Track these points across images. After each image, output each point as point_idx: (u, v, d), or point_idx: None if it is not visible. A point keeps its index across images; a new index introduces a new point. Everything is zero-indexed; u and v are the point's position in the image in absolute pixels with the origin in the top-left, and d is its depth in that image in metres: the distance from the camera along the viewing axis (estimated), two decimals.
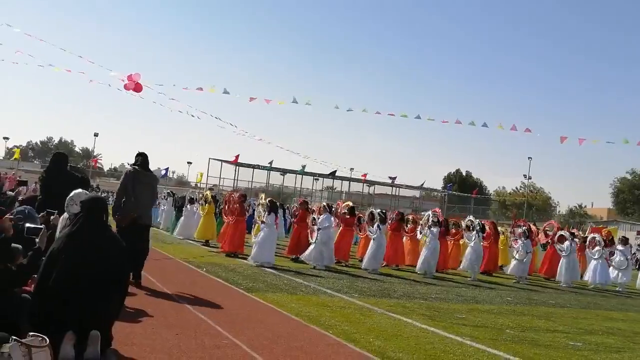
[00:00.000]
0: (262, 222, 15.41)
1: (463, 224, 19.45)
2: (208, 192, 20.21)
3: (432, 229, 16.97)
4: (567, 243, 18.84)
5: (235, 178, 58.11)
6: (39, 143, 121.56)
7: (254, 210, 19.99)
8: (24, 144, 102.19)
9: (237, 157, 42.51)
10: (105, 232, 5.43)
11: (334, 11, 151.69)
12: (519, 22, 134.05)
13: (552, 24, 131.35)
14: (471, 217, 19.68)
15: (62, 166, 9.36)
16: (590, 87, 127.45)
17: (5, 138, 62.77)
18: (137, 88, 18.23)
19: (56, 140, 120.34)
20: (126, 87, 18.16)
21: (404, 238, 18.45)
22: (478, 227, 17.97)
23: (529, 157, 66.37)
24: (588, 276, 19.09)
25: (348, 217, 17.78)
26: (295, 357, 6.06)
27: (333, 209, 18.16)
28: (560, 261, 18.74)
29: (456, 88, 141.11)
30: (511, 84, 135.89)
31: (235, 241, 16.24)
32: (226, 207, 17.40)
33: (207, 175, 54.03)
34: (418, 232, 18.68)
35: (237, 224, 16.56)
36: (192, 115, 24.79)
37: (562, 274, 18.44)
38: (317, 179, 63.77)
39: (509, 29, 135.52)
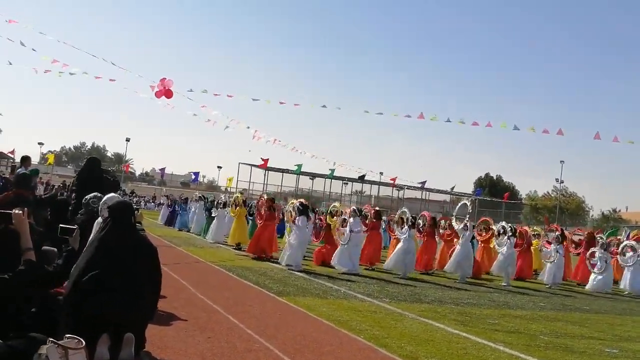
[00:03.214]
0: (293, 222, 15.43)
1: (495, 228, 19.20)
2: (239, 195, 20.24)
3: (405, 229, 16.67)
4: (597, 253, 18.22)
5: (265, 182, 58.44)
6: (72, 148, 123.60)
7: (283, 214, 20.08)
8: (58, 149, 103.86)
9: (266, 161, 42.62)
10: (134, 234, 5.48)
11: (363, 15, 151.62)
12: (550, 23, 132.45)
13: (585, 23, 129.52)
14: (503, 224, 19.38)
15: (95, 171, 9.50)
16: (623, 88, 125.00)
17: (40, 143, 64.01)
18: (168, 94, 18.47)
19: (89, 145, 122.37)
20: (157, 95, 18.42)
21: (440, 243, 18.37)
22: (510, 232, 17.72)
23: (561, 161, 65.54)
24: (623, 283, 18.55)
25: (374, 220, 17.77)
26: None
27: (363, 213, 18.14)
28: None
29: (487, 91, 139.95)
30: (543, 86, 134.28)
31: (260, 244, 16.27)
32: (261, 211, 17.53)
33: (237, 180, 54.38)
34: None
35: (264, 227, 16.62)
36: (227, 127, 24.93)
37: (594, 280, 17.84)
38: (347, 183, 63.74)
39: (540, 30, 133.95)
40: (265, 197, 18.73)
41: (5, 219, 4.42)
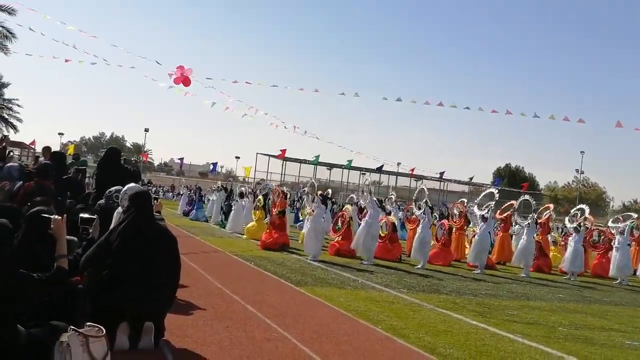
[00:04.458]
0: (313, 211, 15.46)
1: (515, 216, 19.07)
2: (261, 197, 20.11)
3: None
4: (618, 237, 17.99)
5: (283, 172, 58.49)
6: (91, 138, 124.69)
7: (296, 200, 20.08)
8: (78, 140, 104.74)
9: (284, 151, 42.55)
10: (153, 224, 5.52)
11: (380, 1, 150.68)
12: (574, 14, 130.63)
13: (604, 15, 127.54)
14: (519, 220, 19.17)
15: (115, 160, 9.56)
16: None
17: (60, 134, 64.40)
18: (186, 82, 18.50)
19: (108, 135, 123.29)
20: (176, 81, 18.45)
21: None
22: (531, 220, 17.57)
23: (581, 151, 64.69)
24: None
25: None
26: (344, 351, 6.06)
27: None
28: (613, 255, 17.93)
29: (506, 81, 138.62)
30: (564, 75, 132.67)
31: (266, 237, 16.38)
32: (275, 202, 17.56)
33: (255, 170, 54.43)
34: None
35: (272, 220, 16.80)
36: (245, 114, 24.93)
37: (614, 269, 17.54)
38: (364, 174, 63.58)
39: (560, 19, 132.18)
40: (279, 188, 18.70)
41: (46, 223, 4.45)
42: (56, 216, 4.47)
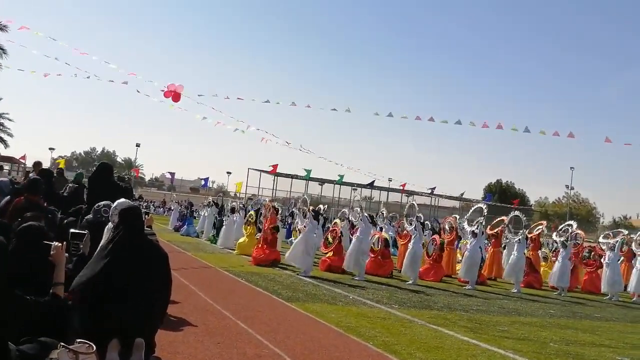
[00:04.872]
0: (304, 227, 15.46)
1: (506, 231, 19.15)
2: (252, 213, 20.12)
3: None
4: (608, 253, 18.09)
5: (274, 188, 58.43)
6: (82, 153, 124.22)
7: (287, 215, 20.10)
8: (69, 154, 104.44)
9: (275, 166, 42.63)
10: (143, 239, 5.49)
11: (372, 17, 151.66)
12: (561, 29, 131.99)
13: (596, 31, 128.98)
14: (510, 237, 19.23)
15: (107, 176, 9.52)
16: (633, 92, 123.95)
17: (51, 149, 64.10)
18: (175, 97, 18.56)
19: (99, 150, 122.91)
20: (165, 95, 18.51)
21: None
22: (522, 236, 17.66)
23: (571, 167, 65.04)
24: (630, 287, 17.98)
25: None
26: None
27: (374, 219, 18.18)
28: (603, 272, 17.99)
29: (499, 96, 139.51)
30: (554, 91, 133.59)
31: (258, 253, 16.33)
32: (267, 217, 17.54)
33: (246, 185, 54.35)
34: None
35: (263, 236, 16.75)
36: (236, 129, 24.95)
37: (605, 285, 17.61)
38: (355, 189, 63.62)
39: (550, 35, 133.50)
40: (270, 204, 18.69)
41: (45, 250, 4.44)
42: (57, 243, 4.46)
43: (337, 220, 20.04)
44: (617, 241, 18.14)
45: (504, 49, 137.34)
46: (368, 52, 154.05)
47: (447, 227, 19.53)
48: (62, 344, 3.95)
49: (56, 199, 9.93)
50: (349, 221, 19.27)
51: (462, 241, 19.07)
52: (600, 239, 19.80)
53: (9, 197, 9.11)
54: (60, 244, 4.47)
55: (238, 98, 22.80)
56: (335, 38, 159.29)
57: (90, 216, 7.17)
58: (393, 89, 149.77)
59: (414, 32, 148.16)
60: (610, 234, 19.68)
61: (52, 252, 4.40)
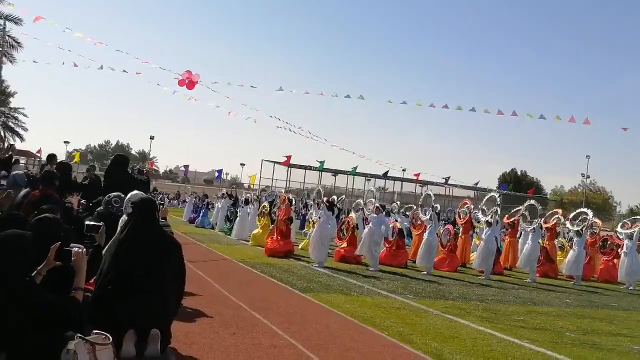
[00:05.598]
0: (319, 218, 15.46)
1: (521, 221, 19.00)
2: (266, 204, 20.12)
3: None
4: (626, 242, 17.91)
5: (287, 179, 58.45)
6: (97, 146, 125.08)
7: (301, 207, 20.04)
8: (83, 148, 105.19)
9: (289, 158, 42.65)
10: (157, 231, 5.51)
11: (386, 5, 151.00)
12: (577, 17, 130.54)
13: (611, 20, 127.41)
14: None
15: (123, 168, 9.58)
16: None
17: (66, 142, 64.56)
18: (190, 85, 18.57)
19: (113, 143, 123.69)
20: (180, 83, 18.52)
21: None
22: (536, 225, 17.54)
23: (587, 155, 64.54)
24: None
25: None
26: (351, 357, 6.04)
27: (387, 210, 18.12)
28: (621, 260, 17.80)
29: (514, 83, 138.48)
30: (570, 79, 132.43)
31: (272, 244, 16.35)
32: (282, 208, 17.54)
33: (260, 177, 54.39)
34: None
35: (278, 227, 16.75)
36: (249, 117, 25.01)
37: (622, 274, 17.44)
38: (369, 179, 63.51)
39: (567, 24, 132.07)
40: (285, 195, 18.67)
41: (66, 256, 4.41)
42: (77, 248, 4.41)
43: (352, 214, 19.94)
44: (636, 230, 17.94)
45: (520, 38, 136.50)
46: (382, 40, 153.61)
47: (464, 210, 19.35)
48: (79, 335, 3.98)
49: (77, 188, 9.97)
50: (363, 212, 19.24)
51: (477, 225, 18.85)
52: (619, 228, 19.60)
53: (25, 189, 9.16)
54: (81, 250, 4.44)
55: (251, 86, 22.84)
56: (349, 26, 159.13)
57: (101, 208, 7.20)
58: (407, 77, 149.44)
59: (429, 20, 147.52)
60: (628, 222, 19.45)
61: (72, 259, 4.36)
